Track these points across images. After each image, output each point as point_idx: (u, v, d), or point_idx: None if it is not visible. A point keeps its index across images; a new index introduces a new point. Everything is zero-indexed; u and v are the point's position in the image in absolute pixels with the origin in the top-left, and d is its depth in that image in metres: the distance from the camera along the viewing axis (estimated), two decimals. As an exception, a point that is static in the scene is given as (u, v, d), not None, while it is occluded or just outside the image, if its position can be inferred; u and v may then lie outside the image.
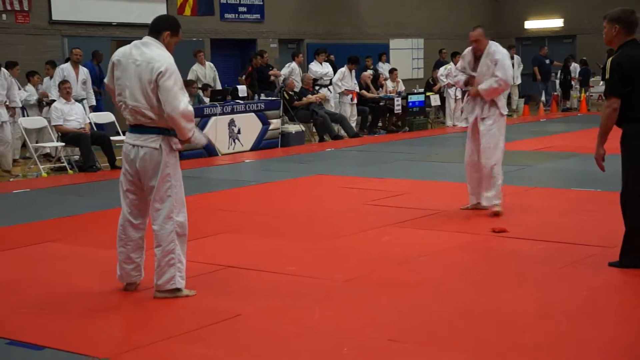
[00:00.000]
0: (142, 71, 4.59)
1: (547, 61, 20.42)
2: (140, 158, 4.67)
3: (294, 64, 15.60)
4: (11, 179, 10.47)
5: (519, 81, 19.84)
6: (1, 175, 10.67)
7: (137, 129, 4.70)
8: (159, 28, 4.74)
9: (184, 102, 4.55)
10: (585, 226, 6.60)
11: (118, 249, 4.88)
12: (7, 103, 10.63)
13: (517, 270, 5.37)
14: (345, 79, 15.25)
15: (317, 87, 15.26)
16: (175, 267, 4.70)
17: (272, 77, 14.83)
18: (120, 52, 4.77)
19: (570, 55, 21.13)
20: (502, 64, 7.03)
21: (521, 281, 5.07)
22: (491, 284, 5.06)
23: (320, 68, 15.60)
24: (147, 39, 4.73)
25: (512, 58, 19.54)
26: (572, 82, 20.69)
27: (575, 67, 20.92)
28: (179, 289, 4.74)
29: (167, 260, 4.69)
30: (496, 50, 7.06)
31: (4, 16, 13.68)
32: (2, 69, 10.70)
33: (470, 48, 7.22)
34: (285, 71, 15.54)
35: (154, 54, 4.63)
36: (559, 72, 20.72)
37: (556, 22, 24.13)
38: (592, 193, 8.12)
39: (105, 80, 4.89)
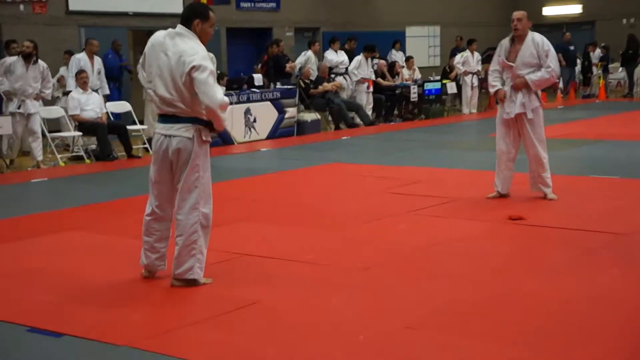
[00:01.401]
0: (174, 64, 4.59)
1: (572, 47, 20.14)
2: (174, 148, 4.67)
3: (310, 53, 15.56)
4: (29, 168, 10.54)
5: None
6: (15, 166, 10.73)
7: (169, 118, 4.70)
8: (189, 18, 4.72)
9: (220, 94, 4.55)
10: (605, 213, 6.55)
11: (143, 238, 4.91)
12: (40, 94, 10.70)
13: (535, 257, 5.35)
14: (361, 67, 15.20)
15: (332, 76, 15.23)
16: (195, 258, 4.71)
17: (288, 69, 14.82)
18: (154, 38, 4.75)
19: (591, 43, 20.93)
20: (554, 55, 7.01)
21: (540, 268, 5.05)
22: (509, 271, 5.04)
23: (335, 56, 15.56)
24: (181, 29, 4.70)
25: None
26: (594, 68, 20.50)
27: (597, 54, 20.72)
28: (195, 280, 4.76)
29: (189, 250, 4.69)
30: (544, 40, 6.98)
31: (21, 7, 13.75)
32: (40, 61, 10.77)
33: (507, 38, 7.11)
34: (301, 59, 15.51)
35: (186, 47, 4.61)
36: (580, 59, 20.55)
37: (574, 8, 23.90)
38: (611, 180, 8.06)
39: (140, 62, 4.88)
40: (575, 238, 5.74)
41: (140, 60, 4.90)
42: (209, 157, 4.79)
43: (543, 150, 7.05)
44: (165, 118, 4.73)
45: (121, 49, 14.48)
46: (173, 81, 4.60)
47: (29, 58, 10.51)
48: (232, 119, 12.39)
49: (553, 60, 6.95)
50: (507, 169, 7.19)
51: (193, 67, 4.52)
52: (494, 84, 7.20)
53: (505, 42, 7.15)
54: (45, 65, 10.83)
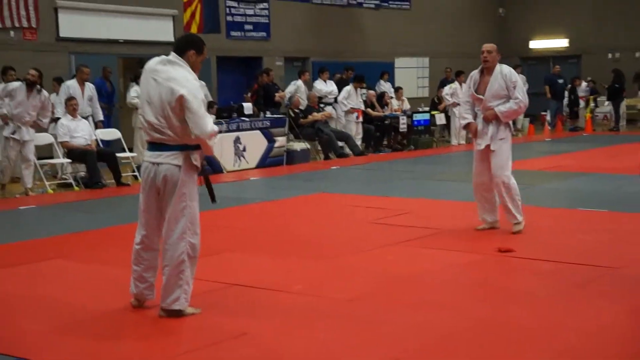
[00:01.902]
0: (162, 91, 4.59)
1: (561, 80, 20.31)
2: (161, 175, 4.66)
3: (299, 82, 15.65)
4: (17, 195, 10.48)
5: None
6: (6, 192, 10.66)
7: (157, 146, 4.69)
8: (184, 48, 4.73)
9: (210, 124, 4.59)
10: (593, 247, 6.57)
11: (132, 266, 4.88)
12: (37, 121, 10.70)
13: (524, 289, 5.34)
14: (350, 97, 15.29)
15: (321, 105, 15.30)
16: (182, 289, 4.67)
17: (277, 98, 14.90)
18: (147, 65, 4.78)
19: (577, 76, 21.17)
20: (521, 86, 7.09)
21: (528, 300, 5.04)
22: (497, 301, 5.04)
23: (324, 86, 15.65)
24: (174, 57, 4.70)
25: (517, 77, 19.59)
26: (581, 101, 20.70)
27: (583, 87, 20.93)
28: (181, 311, 4.71)
29: (176, 280, 4.66)
30: (512, 72, 7.05)
31: (12, 33, 13.76)
32: (43, 90, 10.78)
33: (476, 70, 7.19)
34: (291, 89, 15.58)
35: (177, 74, 4.61)
36: (566, 91, 20.75)
37: (561, 42, 24.18)
38: (600, 213, 8.09)
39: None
40: (564, 271, 5.74)
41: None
42: (196, 186, 4.77)
43: (507, 171, 7.03)
44: (153, 145, 4.71)
45: (111, 76, 14.48)
46: (162, 108, 4.59)
47: (32, 86, 10.51)
48: (222, 148, 12.40)
49: (520, 92, 7.01)
50: (486, 200, 7.20)
51: (182, 96, 4.52)
52: (466, 116, 7.26)
53: (475, 74, 7.19)
54: (47, 94, 10.87)
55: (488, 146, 7.07)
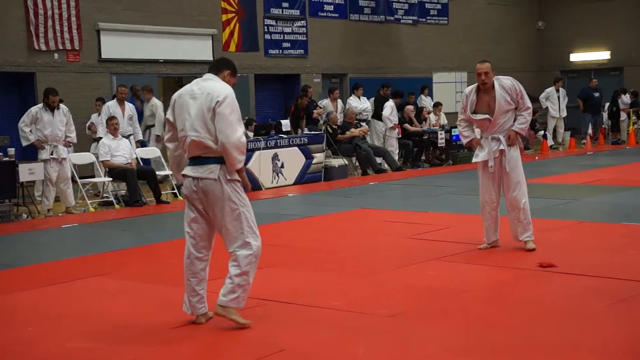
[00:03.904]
0: (202, 101, 4.72)
1: (597, 94, 19.98)
2: (202, 189, 4.75)
3: (326, 101, 15.70)
4: (60, 214, 10.65)
5: (564, 114, 19.57)
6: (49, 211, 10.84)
7: (196, 160, 4.79)
8: (220, 67, 4.96)
9: (238, 133, 4.64)
10: (637, 262, 6.43)
11: (185, 281, 4.97)
12: (66, 139, 10.84)
13: (568, 305, 5.24)
14: (393, 112, 15.31)
15: (355, 122, 15.32)
16: (242, 288, 4.78)
17: (316, 115, 14.96)
18: (182, 89, 4.93)
19: (620, 88, 20.83)
20: (524, 92, 6.88)
21: (574, 317, 4.94)
22: (540, 319, 4.94)
23: (358, 103, 15.66)
24: (208, 75, 4.92)
25: (557, 91, 19.38)
26: (622, 114, 20.36)
27: (626, 99, 20.59)
28: (235, 310, 4.79)
29: (240, 281, 4.75)
30: (513, 81, 6.82)
31: (56, 55, 14.07)
32: (62, 105, 10.94)
33: (472, 87, 6.98)
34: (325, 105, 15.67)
35: (214, 86, 4.78)
36: (608, 104, 20.44)
37: (603, 55, 23.85)
38: (643, 227, 7.93)
39: (168, 115, 4.99)
40: (607, 286, 5.63)
41: (168, 114, 4.98)
42: (242, 191, 4.83)
43: (524, 194, 6.87)
44: (192, 160, 4.81)
45: (139, 94, 14.49)
46: (202, 118, 4.69)
47: (52, 109, 10.63)
48: (260, 164, 12.47)
49: (527, 99, 6.85)
50: (492, 218, 7.06)
51: (217, 102, 4.65)
52: (466, 134, 7.06)
53: (471, 94, 6.94)
54: (66, 108, 11.00)
55: (497, 162, 6.87)
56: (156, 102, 13.92)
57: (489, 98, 6.82)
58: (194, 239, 4.89)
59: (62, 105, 10.90)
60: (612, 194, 10.61)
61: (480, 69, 6.80)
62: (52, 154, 10.60)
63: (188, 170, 4.84)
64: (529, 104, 6.86)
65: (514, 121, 6.87)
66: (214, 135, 4.68)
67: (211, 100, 4.68)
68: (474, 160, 7.08)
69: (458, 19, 21.94)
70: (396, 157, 15.28)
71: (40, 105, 10.75)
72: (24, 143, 10.87)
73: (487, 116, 6.83)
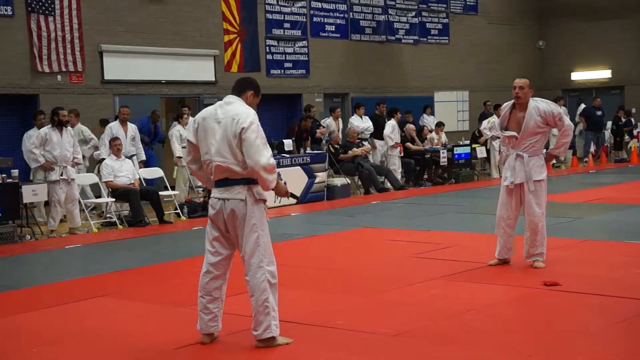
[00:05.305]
0: (227, 127, 4.74)
1: (599, 112, 20.01)
2: (228, 209, 4.79)
3: (329, 120, 15.75)
4: (63, 234, 10.65)
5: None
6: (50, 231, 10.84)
7: (223, 182, 4.83)
8: (243, 88, 4.95)
9: (266, 156, 4.67)
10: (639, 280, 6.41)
11: (199, 298, 4.98)
12: (74, 160, 10.88)
13: (574, 324, 5.22)
14: (394, 131, 15.34)
15: (357, 141, 15.35)
16: (270, 316, 4.79)
17: (319, 134, 15.00)
18: (205, 112, 4.94)
19: (620, 107, 20.88)
20: (563, 114, 6.97)
21: (581, 336, 4.93)
22: (545, 338, 4.93)
23: (360, 122, 15.70)
24: (231, 97, 4.91)
25: (559, 109, 19.40)
26: (624, 133, 20.39)
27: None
28: (274, 338, 4.81)
29: (262, 309, 4.78)
30: (550, 106, 6.87)
31: (59, 77, 14.14)
32: (68, 127, 10.96)
33: (509, 103, 7.04)
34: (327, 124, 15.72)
35: (238, 110, 4.79)
36: (610, 122, 20.47)
37: (604, 73, 23.92)
38: (647, 245, 7.92)
39: (189, 137, 5.01)
40: (613, 305, 5.61)
41: (190, 136, 4.98)
42: (265, 216, 4.88)
43: (543, 215, 6.91)
44: (220, 182, 4.86)
45: (159, 120, 14.54)
46: (228, 144, 4.73)
47: (63, 125, 10.70)
48: (263, 184, 12.45)
49: (566, 120, 6.93)
50: (507, 234, 7.07)
51: (243, 128, 4.67)
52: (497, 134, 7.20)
53: (505, 109, 7.02)
54: (72, 130, 11.03)
55: (520, 184, 6.90)
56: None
57: (520, 116, 6.88)
58: (214, 255, 4.92)
59: (69, 127, 10.91)
60: (615, 212, 10.60)
61: (516, 83, 6.90)
62: (61, 175, 10.61)
63: (215, 192, 4.90)
64: (568, 123, 6.91)
65: (556, 142, 7.04)
66: (240, 160, 4.73)
67: (236, 127, 4.70)
68: (503, 183, 7.07)
69: (459, 38, 22.05)
70: (399, 176, 15.30)
71: (48, 127, 10.77)
72: (33, 165, 10.91)
73: (514, 134, 6.90)
